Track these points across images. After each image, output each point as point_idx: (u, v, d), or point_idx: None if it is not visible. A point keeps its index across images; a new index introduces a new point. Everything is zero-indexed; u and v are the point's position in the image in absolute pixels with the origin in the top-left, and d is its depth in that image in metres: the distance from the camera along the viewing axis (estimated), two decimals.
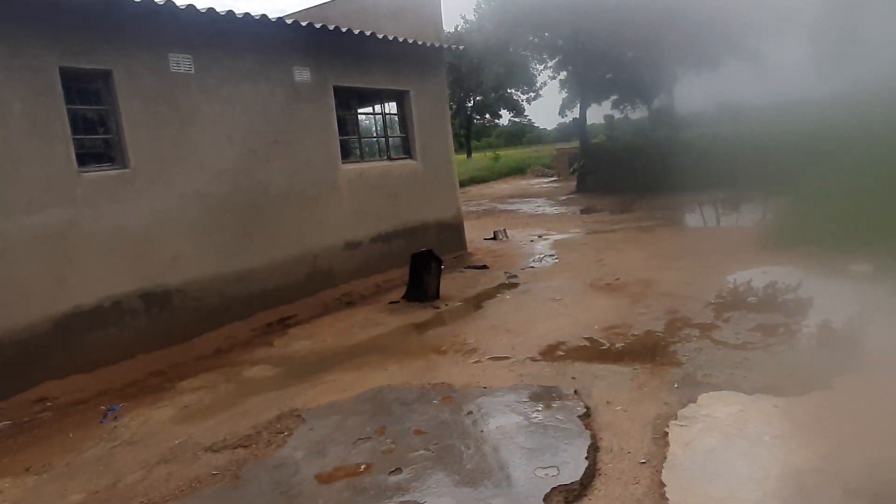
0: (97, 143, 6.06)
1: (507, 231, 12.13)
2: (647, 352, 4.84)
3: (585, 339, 5.28)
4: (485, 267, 9.14)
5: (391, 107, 9.68)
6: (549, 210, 15.83)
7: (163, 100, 6.34)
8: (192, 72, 6.60)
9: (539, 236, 11.68)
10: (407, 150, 9.80)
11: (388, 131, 9.61)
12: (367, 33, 8.15)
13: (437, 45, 9.67)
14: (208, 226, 6.78)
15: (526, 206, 17.14)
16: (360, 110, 9.52)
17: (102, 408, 4.89)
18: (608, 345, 5.08)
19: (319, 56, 8.01)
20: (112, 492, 3.41)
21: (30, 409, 5.08)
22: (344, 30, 7.85)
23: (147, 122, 6.20)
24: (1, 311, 5.15)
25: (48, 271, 5.47)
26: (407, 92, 9.56)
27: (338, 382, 4.78)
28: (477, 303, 7.08)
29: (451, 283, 8.14)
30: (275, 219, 7.50)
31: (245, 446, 3.72)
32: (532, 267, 8.88)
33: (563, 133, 57.39)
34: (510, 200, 18.52)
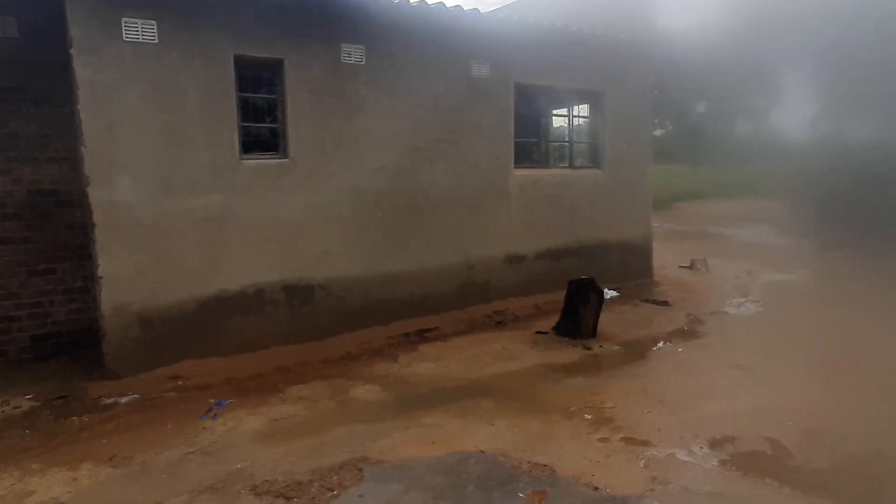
0: (262, 131, 6.13)
1: (709, 261, 10.23)
2: (867, 485, 3.29)
3: (769, 440, 3.83)
4: (665, 303, 7.66)
5: (581, 109, 8.62)
6: (771, 241, 13.16)
7: (330, 91, 6.20)
8: (363, 63, 6.37)
9: (748, 273, 9.63)
10: (594, 158, 8.66)
11: (574, 136, 8.57)
12: (556, 25, 7.22)
13: (642, 41, 8.35)
14: (361, 223, 6.54)
15: (743, 233, 14.57)
16: (545, 112, 8.62)
17: (211, 400, 4.84)
18: (802, 460, 3.59)
19: (501, 50, 7.30)
20: None
21: (163, 385, 5.26)
22: (530, 21, 7.04)
23: (312, 113, 6.12)
24: (156, 286, 5.41)
25: (202, 254, 5.64)
26: (601, 93, 8.41)
27: (432, 430, 4.07)
28: (638, 352, 5.80)
29: (618, 318, 6.90)
30: (433, 222, 7.04)
31: (288, 498, 3.22)
32: (725, 312, 7.18)
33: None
34: (726, 223, 15.99)
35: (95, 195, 5.12)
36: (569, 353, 5.75)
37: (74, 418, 4.62)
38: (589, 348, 5.87)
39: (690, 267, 10.11)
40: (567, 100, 8.49)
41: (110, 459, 3.90)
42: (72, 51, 4.96)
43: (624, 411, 4.31)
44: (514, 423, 4.16)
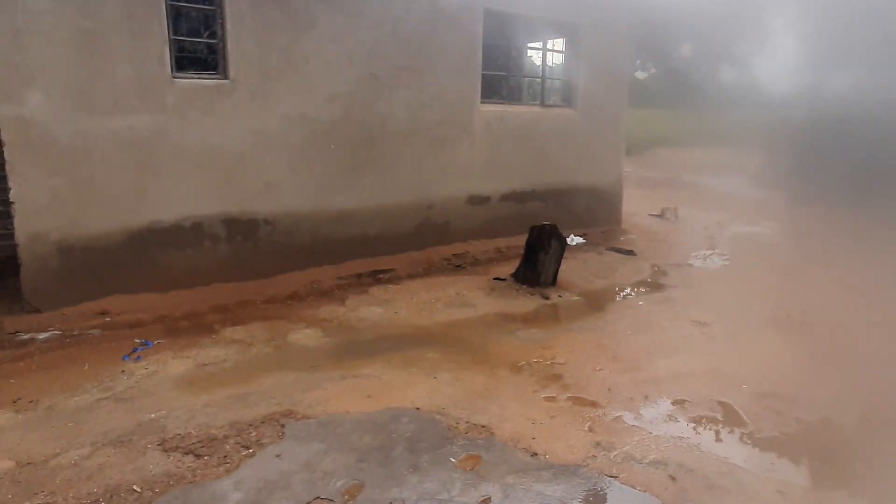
0: (199, 47, 5.50)
1: (679, 210, 9.98)
2: (817, 456, 3.12)
3: (721, 404, 3.63)
4: (631, 252, 7.40)
5: (557, 45, 8.05)
6: (744, 192, 12.94)
7: (276, 4, 5.55)
8: None
9: (718, 224, 9.42)
10: (567, 96, 8.17)
11: (547, 73, 8.03)
12: None
13: None
14: (311, 155, 6.04)
15: (717, 182, 14.31)
16: (517, 44, 8.04)
17: (137, 340, 4.48)
18: (753, 426, 3.39)
19: None
20: (36, 471, 2.82)
21: (88, 320, 4.86)
22: None
23: (255, 29, 5.49)
24: (76, 215, 4.92)
25: (130, 181, 5.12)
26: (577, 25, 7.83)
27: (369, 382, 3.78)
28: (598, 303, 5.55)
29: (581, 266, 6.64)
30: (389, 157, 6.57)
31: (198, 455, 2.91)
32: (690, 265, 6.97)
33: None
34: (700, 171, 15.70)
35: (3, 110, 4.54)
36: (525, 302, 5.47)
37: None
38: (547, 297, 5.60)
39: (660, 216, 9.86)
40: (542, 32, 7.91)
41: (14, 402, 3.54)
42: None
43: (574, 368, 4.06)
44: (458, 376, 3.89)
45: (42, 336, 4.54)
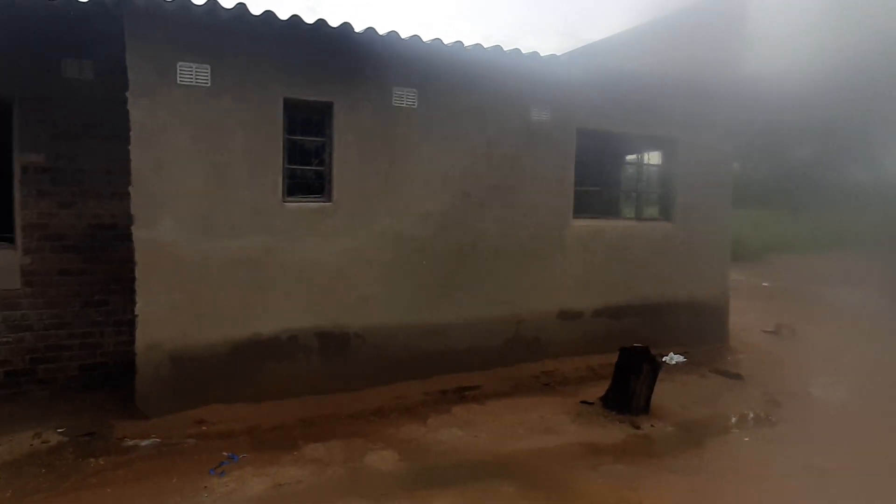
0: (308, 174, 6.05)
1: (796, 326, 9.13)
2: None
3: None
4: (738, 376, 6.80)
5: (652, 156, 8.03)
6: (876, 306, 11.60)
7: (379, 134, 6.06)
8: (415, 106, 6.20)
9: (844, 344, 8.46)
10: (664, 209, 8.00)
11: (644, 185, 7.97)
12: (623, 68, 6.77)
13: (723, 84, 7.69)
14: (404, 271, 6.29)
15: (844, 294, 13.01)
16: (611, 159, 8.11)
17: (224, 454, 4.66)
18: None
19: (564, 94, 6.92)
20: None
21: (186, 429, 5.15)
22: (594, 63, 6.63)
23: (358, 156, 5.98)
24: (188, 327, 5.38)
25: (237, 296, 5.56)
26: (674, 140, 7.79)
27: None
28: (695, 437, 5.09)
29: (679, 391, 6.18)
30: (480, 273, 6.68)
31: None
32: (809, 394, 6.26)
33: None
34: (823, 280, 14.39)
35: (139, 233, 5.18)
36: (613, 432, 5.14)
37: (91, 460, 4.58)
38: (638, 427, 5.23)
39: (774, 332, 9.08)
40: (636, 146, 7.95)
41: None
42: (128, 93, 5.09)
43: None
44: None
45: (144, 443, 4.87)
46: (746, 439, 5.09)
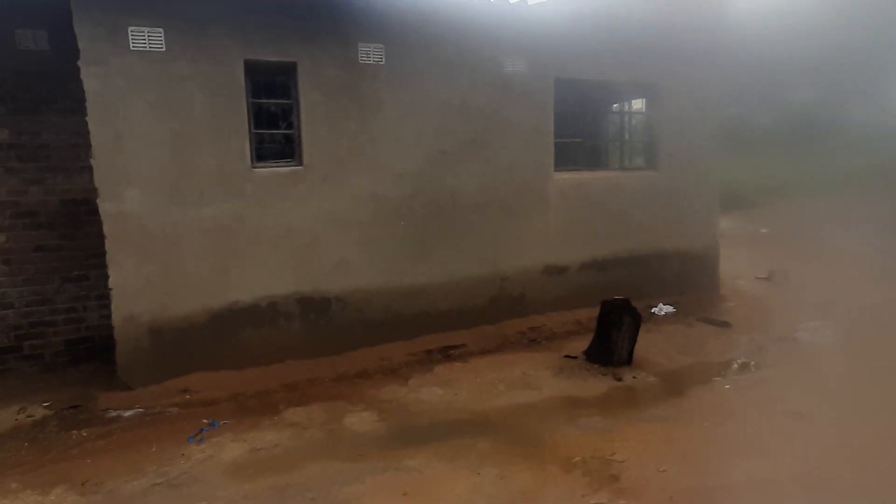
0: (278, 138, 5.92)
1: (791, 272, 9.03)
2: None
3: None
4: (726, 324, 6.75)
5: (636, 104, 7.80)
6: (874, 249, 11.43)
7: (347, 93, 5.89)
8: (383, 62, 6.01)
9: (837, 288, 8.37)
10: (649, 158, 7.82)
11: (627, 135, 7.77)
12: (600, 13, 6.50)
13: (706, 26, 7.39)
14: (381, 233, 6.21)
15: (843, 237, 12.83)
16: (593, 108, 7.87)
17: (205, 421, 4.69)
18: None
19: (539, 43, 6.67)
20: None
21: (170, 398, 5.19)
22: (569, 9, 6.38)
23: (327, 117, 5.83)
24: (165, 298, 5.35)
25: (212, 265, 5.51)
26: (657, 86, 7.55)
27: (410, 476, 3.66)
28: (676, 386, 5.06)
29: (665, 340, 6.14)
30: (461, 231, 6.59)
31: None
32: (795, 339, 6.20)
33: None
34: (824, 224, 14.18)
35: (105, 206, 5.11)
36: (595, 384, 5.12)
37: (74, 432, 4.63)
38: (620, 379, 5.21)
39: (768, 278, 8.98)
40: (619, 94, 7.72)
41: (83, 485, 3.81)
42: (80, 63, 4.94)
43: (635, 467, 3.68)
44: (504, 473, 3.66)
45: (127, 414, 4.91)
46: (727, 386, 5.06)
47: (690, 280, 7.96)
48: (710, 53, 7.80)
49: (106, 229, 5.12)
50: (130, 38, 5.03)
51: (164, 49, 5.15)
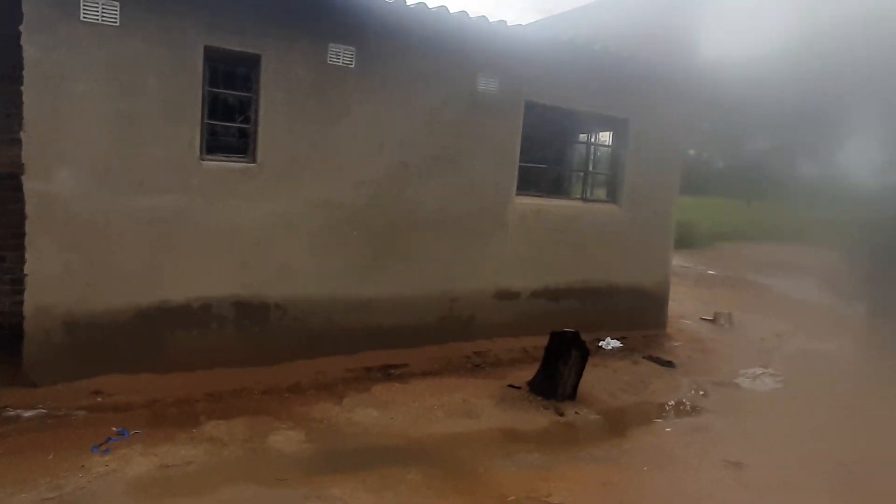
0: (232, 131, 5.61)
1: (735, 316, 9.18)
2: None
3: None
4: (670, 364, 6.74)
5: (603, 137, 7.80)
6: (814, 298, 11.85)
7: (311, 93, 5.63)
8: (352, 66, 5.78)
9: (778, 336, 8.55)
10: (611, 191, 7.82)
11: (591, 166, 7.76)
12: (577, 42, 6.46)
13: (678, 68, 7.48)
14: (332, 241, 5.94)
15: (785, 284, 13.27)
16: (560, 137, 7.85)
17: (114, 429, 4.29)
18: None
19: (514, 65, 6.58)
20: None
21: (78, 400, 4.74)
22: (547, 34, 6.31)
23: (288, 116, 5.55)
24: (86, 290, 4.93)
25: (144, 259, 5.13)
26: (625, 120, 7.57)
27: None
28: (618, 425, 4.96)
29: (610, 377, 6.07)
30: (415, 246, 6.37)
31: None
32: (737, 385, 6.23)
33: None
34: (768, 271, 14.64)
35: (31, 185, 4.69)
36: (535, 418, 4.96)
37: None
38: (562, 414, 5.07)
39: (713, 321, 9.10)
40: (587, 125, 7.70)
41: None
42: (21, 28, 4.54)
43: None
44: None
45: (27, 414, 4.45)
46: (668, 429, 4.99)
47: (640, 316, 7.96)
48: (678, 94, 7.89)
49: (28, 209, 4.69)
50: (82, 7, 4.66)
51: (117, 24, 4.80)
